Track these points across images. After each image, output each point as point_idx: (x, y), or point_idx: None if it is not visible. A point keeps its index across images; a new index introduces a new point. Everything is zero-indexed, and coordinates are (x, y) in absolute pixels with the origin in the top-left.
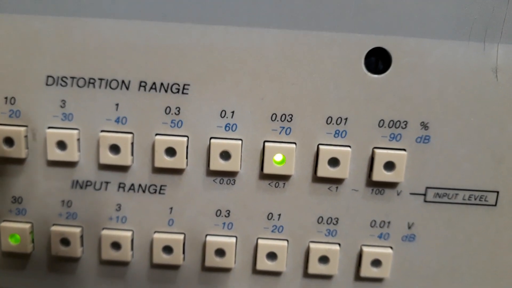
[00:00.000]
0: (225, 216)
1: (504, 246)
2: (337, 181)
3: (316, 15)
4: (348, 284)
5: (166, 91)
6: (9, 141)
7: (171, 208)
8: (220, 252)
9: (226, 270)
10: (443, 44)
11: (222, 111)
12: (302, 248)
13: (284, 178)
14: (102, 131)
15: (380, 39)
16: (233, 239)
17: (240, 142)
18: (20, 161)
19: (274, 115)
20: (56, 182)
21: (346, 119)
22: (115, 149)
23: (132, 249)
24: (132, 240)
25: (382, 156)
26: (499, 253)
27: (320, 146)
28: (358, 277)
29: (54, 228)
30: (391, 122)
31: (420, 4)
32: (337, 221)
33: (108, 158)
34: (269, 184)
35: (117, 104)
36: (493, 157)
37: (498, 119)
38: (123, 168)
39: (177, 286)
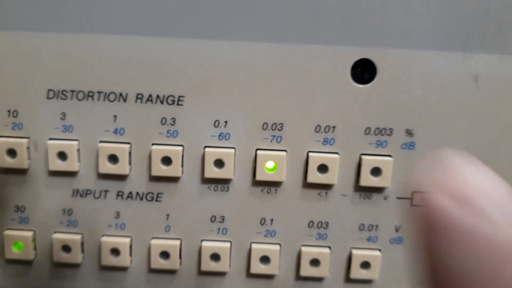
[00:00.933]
0: (220, 221)
1: None
2: (327, 187)
3: (304, 29)
4: (339, 285)
5: (162, 102)
6: (12, 153)
7: (168, 215)
8: (215, 257)
9: (221, 274)
10: (426, 54)
11: (216, 121)
12: (294, 252)
13: (276, 184)
14: (101, 141)
15: (365, 50)
16: (228, 244)
17: (233, 150)
18: (22, 172)
19: (265, 124)
20: (57, 191)
21: (334, 127)
22: (113, 159)
23: (130, 255)
24: (130, 246)
25: (369, 162)
26: None
27: (310, 153)
28: (348, 279)
29: (55, 235)
30: (377, 130)
31: (403, 16)
32: (327, 225)
33: (107, 167)
34: (261, 190)
35: (115, 116)
36: None
37: (479, 125)
38: (121, 177)
39: None
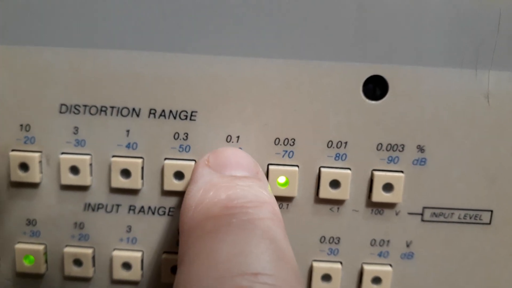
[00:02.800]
0: None
1: (499, 262)
2: (338, 202)
3: (316, 45)
4: None
5: (174, 117)
6: (24, 166)
7: (179, 230)
8: None
9: None
10: (437, 72)
11: (228, 136)
12: (305, 267)
13: (288, 199)
14: (114, 156)
15: (377, 67)
16: None
17: None
18: (34, 185)
19: (277, 140)
20: (69, 205)
21: (346, 143)
22: (126, 173)
23: (142, 269)
24: (142, 260)
25: (380, 178)
26: (494, 269)
27: (322, 169)
28: None
29: (67, 249)
30: (389, 146)
31: (414, 34)
32: (338, 241)
33: (119, 182)
34: None
35: (128, 131)
36: (486, 178)
37: (490, 142)
38: (134, 192)
39: None
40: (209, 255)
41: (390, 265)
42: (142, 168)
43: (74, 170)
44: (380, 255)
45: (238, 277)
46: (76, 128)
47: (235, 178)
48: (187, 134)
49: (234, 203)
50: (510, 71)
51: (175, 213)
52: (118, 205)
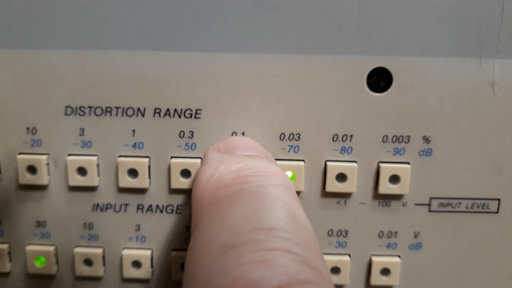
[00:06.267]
0: None
1: (507, 250)
2: (345, 195)
3: (318, 39)
4: None
5: (179, 116)
6: (32, 169)
7: (188, 227)
8: None
9: None
10: (441, 62)
11: (233, 132)
12: None
13: None
14: (120, 156)
15: (381, 59)
16: None
17: None
18: (43, 188)
19: (282, 135)
20: (78, 206)
21: (351, 136)
22: (133, 173)
23: (152, 266)
24: (151, 258)
25: (387, 170)
26: (502, 258)
27: (328, 163)
28: (368, 286)
29: (77, 249)
30: (394, 137)
31: (417, 24)
32: (346, 233)
33: (127, 181)
34: None
35: (133, 130)
36: (493, 167)
37: (496, 130)
38: (141, 191)
39: None
40: (223, 217)
41: (399, 256)
42: (149, 167)
43: (82, 171)
44: (388, 246)
45: (253, 232)
46: (82, 130)
47: (245, 156)
48: (193, 132)
49: (246, 173)
50: None
51: (183, 211)
52: (126, 205)
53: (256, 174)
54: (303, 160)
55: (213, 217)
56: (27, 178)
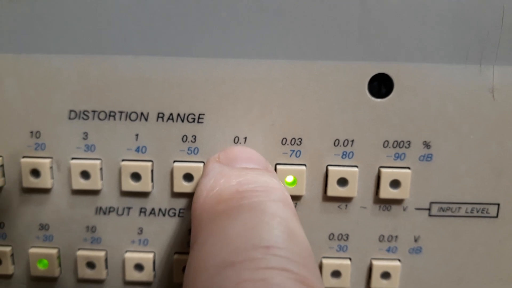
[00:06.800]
0: None
1: (506, 254)
2: (346, 200)
3: (320, 45)
4: None
5: (182, 120)
6: (35, 173)
7: (190, 230)
8: None
9: None
10: (442, 68)
11: (235, 137)
12: None
13: (296, 198)
14: (123, 160)
15: (382, 65)
16: None
17: None
18: (46, 191)
19: (284, 139)
20: (81, 209)
21: (352, 141)
22: (136, 176)
23: (154, 269)
24: (154, 262)
25: (387, 174)
26: (502, 262)
27: (329, 167)
28: None
29: (80, 252)
30: (395, 143)
31: (418, 31)
32: (347, 237)
33: (130, 185)
34: None
35: (137, 135)
36: (492, 172)
37: (495, 136)
38: (144, 194)
39: None
40: (221, 233)
41: (399, 260)
42: (152, 171)
43: (85, 174)
44: (388, 250)
45: (251, 250)
46: (86, 134)
47: (245, 169)
48: (195, 136)
49: (245, 188)
50: None
51: (185, 214)
52: (129, 208)
53: (255, 189)
54: (304, 165)
55: (212, 232)
56: (30, 181)
